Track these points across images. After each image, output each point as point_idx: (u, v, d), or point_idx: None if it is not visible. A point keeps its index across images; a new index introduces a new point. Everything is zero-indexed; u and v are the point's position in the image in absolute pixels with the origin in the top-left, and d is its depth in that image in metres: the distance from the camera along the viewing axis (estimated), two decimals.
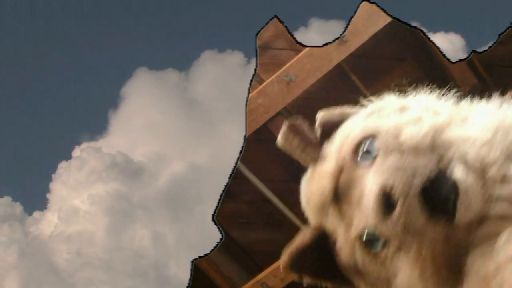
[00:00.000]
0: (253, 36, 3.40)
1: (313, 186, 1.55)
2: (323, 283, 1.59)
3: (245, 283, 3.42)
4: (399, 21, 3.39)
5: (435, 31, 4.41)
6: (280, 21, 3.41)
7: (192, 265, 3.30)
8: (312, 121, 1.61)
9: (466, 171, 1.35)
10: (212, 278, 3.41)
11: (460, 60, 3.40)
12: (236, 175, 3.34)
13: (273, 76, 3.41)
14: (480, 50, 3.40)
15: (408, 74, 3.32)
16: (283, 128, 1.59)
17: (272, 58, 3.43)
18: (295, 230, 1.63)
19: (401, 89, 1.59)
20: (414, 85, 1.58)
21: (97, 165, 5.03)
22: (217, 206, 3.29)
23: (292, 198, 1.61)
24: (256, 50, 3.38)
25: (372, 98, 1.60)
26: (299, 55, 3.43)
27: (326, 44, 3.41)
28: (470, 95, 1.55)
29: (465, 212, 1.33)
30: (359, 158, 1.45)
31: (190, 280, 3.28)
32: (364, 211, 1.39)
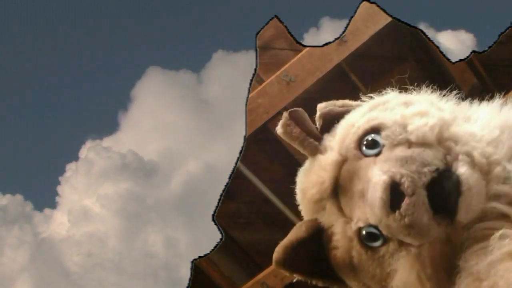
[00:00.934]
0: None
1: (311, 178, 1.50)
2: (314, 282, 1.53)
3: (245, 283, 3.42)
4: (399, 21, 3.39)
5: (444, 29, 4.38)
6: (280, 21, 3.41)
7: (192, 265, 3.30)
8: (312, 121, 1.60)
9: (471, 168, 1.33)
10: (212, 278, 3.41)
11: (460, 60, 3.40)
12: (236, 175, 3.34)
13: (273, 76, 3.41)
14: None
15: (408, 74, 3.32)
16: (283, 118, 1.54)
17: (272, 58, 3.43)
18: None
19: (402, 88, 1.58)
20: (414, 85, 1.57)
21: (107, 165, 5.01)
22: (217, 206, 3.29)
23: (292, 198, 1.59)
24: (256, 50, 3.38)
25: (373, 95, 1.57)
26: (299, 55, 3.43)
27: (326, 44, 3.42)
28: (470, 97, 1.54)
29: (466, 212, 1.31)
30: (363, 149, 1.41)
31: (190, 280, 3.28)
32: (368, 203, 1.34)
